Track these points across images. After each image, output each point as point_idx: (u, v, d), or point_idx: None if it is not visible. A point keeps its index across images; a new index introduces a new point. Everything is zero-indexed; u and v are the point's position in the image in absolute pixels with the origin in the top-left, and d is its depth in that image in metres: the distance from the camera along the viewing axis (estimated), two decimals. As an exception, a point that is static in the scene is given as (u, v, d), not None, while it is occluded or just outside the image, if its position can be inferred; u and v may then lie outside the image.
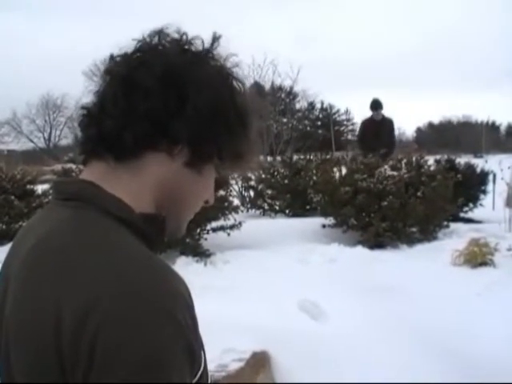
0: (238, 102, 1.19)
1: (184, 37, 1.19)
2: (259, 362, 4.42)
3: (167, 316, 0.94)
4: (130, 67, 1.12)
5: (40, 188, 11.00)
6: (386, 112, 13.14)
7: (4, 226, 9.70)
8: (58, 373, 0.92)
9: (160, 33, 1.19)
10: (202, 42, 1.20)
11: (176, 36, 1.19)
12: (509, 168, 10.96)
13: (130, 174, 1.12)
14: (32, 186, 10.84)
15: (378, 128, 12.40)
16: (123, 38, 1.20)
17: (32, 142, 60.56)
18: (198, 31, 1.23)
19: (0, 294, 1.12)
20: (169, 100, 1.10)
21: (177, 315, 0.95)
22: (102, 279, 0.94)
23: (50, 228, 1.07)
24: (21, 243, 1.14)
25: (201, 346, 1.05)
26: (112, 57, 1.19)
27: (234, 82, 1.20)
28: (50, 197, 1.26)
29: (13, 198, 9.80)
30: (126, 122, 1.08)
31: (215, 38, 1.21)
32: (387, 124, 12.80)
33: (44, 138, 63.02)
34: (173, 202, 1.20)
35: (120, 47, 1.19)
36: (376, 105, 12.55)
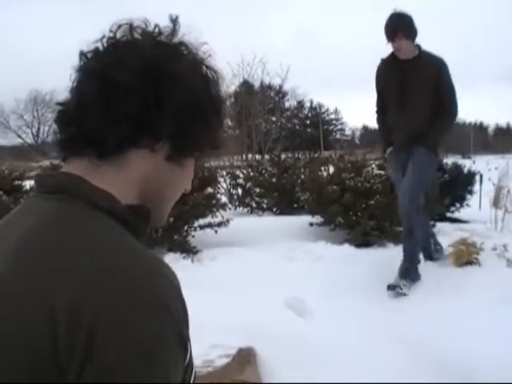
0: (213, 92, 1.21)
1: (156, 29, 1.19)
2: (245, 357, 4.43)
3: (161, 307, 0.94)
4: (106, 64, 1.11)
5: (28, 184, 10.96)
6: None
7: (-9, 222, 9.65)
8: (55, 374, 0.90)
9: (130, 26, 1.18)
10: (172, 31, 1.20)
11: (147, 28, 1.19)
12: (496, 169, 11.04)
13: (113, 170, 1.12)
14: (20, 182, 10.80)
15: (409, 77, 6.09)
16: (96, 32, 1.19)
17: (20, 137, 60.29)
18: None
19: None
20: (148, 97, 1.10)
21: (170, 306, 0.96)
22: (93, 274, 0.93)
23: (34, 223, 1.05)
24: (3, 239, 1.10)
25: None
26: (82, 53, 1.17)
27: (208, 72, 1.22)
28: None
29: (1, 193, 9.76)
30: (108, 122, 1.08)
31: (173, 21, 1.21)
32: (430, 68, 6.09)
33: (32, 133, 62.77)
34: (156, 194, 1.21)
35: (88, 42, 1.18)
36: (398, 25, 5.93)
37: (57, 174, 1.16)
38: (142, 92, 1.09)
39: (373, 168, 10.04)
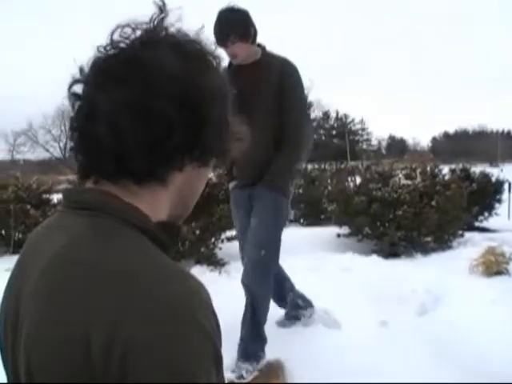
0: (224, 89, 1.19)
1: (163, 32, 1.14)
2: (273, 370, 4.41)
3: (195, 325, 0.93)
4: (141, 93, 1.04)
5: (55, 197, 11.07)
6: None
7: (20, 235, 9.78)
8: None
9: (152, 39, 1.12)
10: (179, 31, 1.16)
11: (166, 37, 1.14)
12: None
13: (147, 191, 1.11)
14: (48, 196, 10.95)
15: (248, 89, 4.22)
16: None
17: (48, 151, 60.90)
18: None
19: (10, 307, 1.09)
20: (190, 124, 1.07)
21: (204, 323, 0.95)
22: (129, 293, 0.92)
23: (67, 241, 1.03)
24: (34, 253, 1.10)
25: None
26: (95, 68, 1.11)
27: (221, 71, 1.22)
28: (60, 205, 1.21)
29: (29, 207, 9.88)
30: (154, 157, 1.06)
31: (161, 7, 1.15)
32: (272, 74, 4.47)
33: (60, 147, 63.27)
34: (185, 201, 1.22)
35: (89, 56, 1.12)
36: (228, 27, 4.37)
37: (87, 189, 1.13)
38: (183, 119, 1.06)
39: (400, 178, 9.99)
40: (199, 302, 0.98)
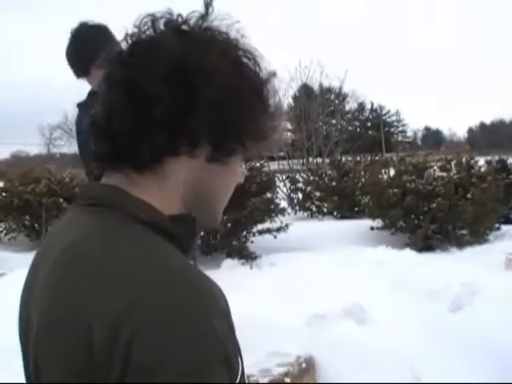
0: (251, 78, 1.10)
1: (179, 19, 1.09)
2: (303, 366, 4.37)
3: (205, 325, 0.89)
4: (131, 71, 1.04)
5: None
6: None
7: (53, 228, 9.89)
8: None
9: (153, 21, 1.09)
10: (200, 18, 1.10)
11: (170, 20, 1.09)
12: None
13: (152, 181, 1.07)
14: (80, 189, 11.05)
15: None
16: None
17: (82, 144, 61.51)
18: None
19: (25, 304, 1.09)
20: (180, 102, 1.02)
21: (214, 324, 0.90)
22: (134, 289, 0.89)
23: (74, 237, 1.02)
24: (46, 251, 1.09)
25: (237, 351, 1.00)
26: (107, 57, 1.11)
27: (243, 56, 1.11)
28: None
29: (61, 200, 9.97)
30: (140, 135, 1.02)
31: (207, 5, 1.11)
32: None
33: (95, 140, 64.02)
34: (203, 199, 1.14)
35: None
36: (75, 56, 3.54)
37: (98, 185, 1.12)
38: (173, 98, 1.01)
39: (435, 170, 9.86)
40: (207, 302, 0.93)
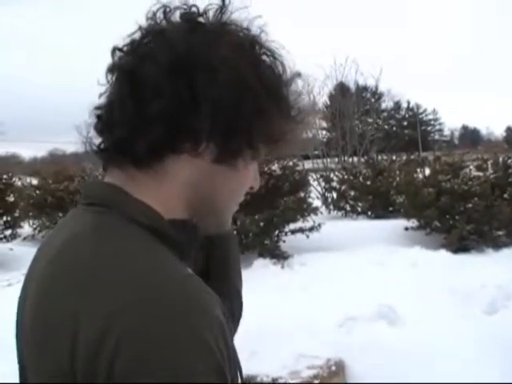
0: (268, 77, 1.04)
1: (194, 9, 1.04)
2: (333, 369, 4.31)
3: (196, 339, 0.84)
4: (135, 61, 0.99)
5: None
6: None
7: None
8: None
9: (167, 12, 1.04)
10: (219, 10, 1.05)
11: (186, 12, 1.04)
12: None
13: (152, 180, 1.02)
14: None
15: None
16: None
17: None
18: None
19: (22, 304, 1.06)
20: (181, 95, 0.96)
21: (205, 334, 0.85)
22: (123, 294, 0.85)
23: (68, 236, 0.99)
24: (43, 250, 1.07)
25: (236, 369, 0.96)
26: (117, 48, 1.05)
27: (262, 54, 1.05)
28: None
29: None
30: (137, 128, 0.97)
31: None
32: None
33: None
34: (209, 202, 1.08)
35: (123, 36, 1.05)
36: None
37: (98, 184, 1.10)
38: (174, 90, 0.96)
39: (471, 169, 9.71)
40: (203, 312, 0.87)
